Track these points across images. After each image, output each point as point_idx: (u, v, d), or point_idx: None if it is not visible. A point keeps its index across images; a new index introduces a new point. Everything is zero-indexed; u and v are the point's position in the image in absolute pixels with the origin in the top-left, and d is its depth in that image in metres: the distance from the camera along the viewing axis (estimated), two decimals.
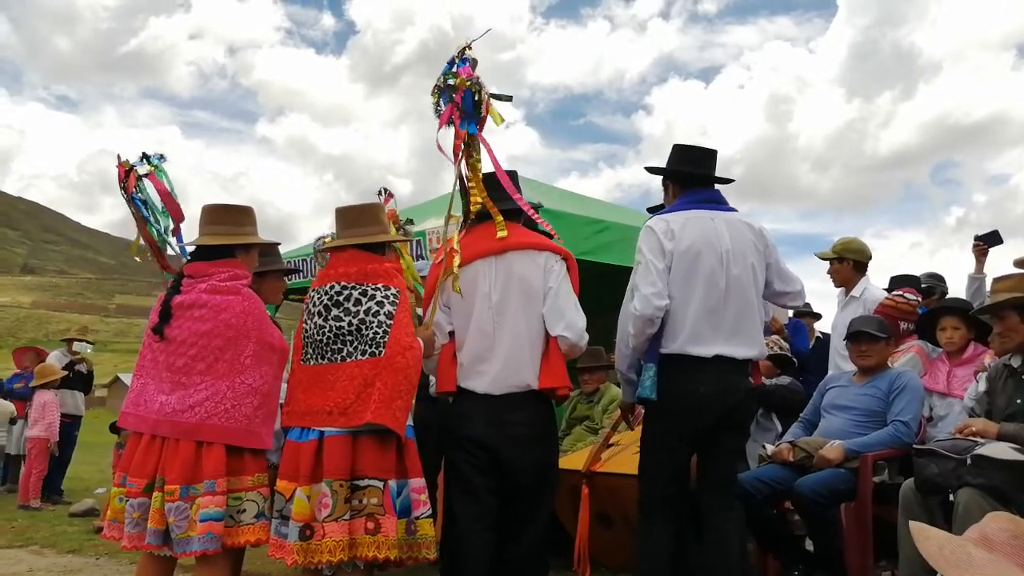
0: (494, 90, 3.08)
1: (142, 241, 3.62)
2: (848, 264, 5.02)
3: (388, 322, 2.99)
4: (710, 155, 3.43)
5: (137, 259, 3.78)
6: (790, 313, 6.20)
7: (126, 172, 3.49)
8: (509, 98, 3.15)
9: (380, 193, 4.01)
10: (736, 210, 3.39)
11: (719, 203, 3.35)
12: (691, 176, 3.39)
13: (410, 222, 3.70)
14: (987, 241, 5.14)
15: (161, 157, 3.57)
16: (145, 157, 3.53)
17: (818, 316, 7.00)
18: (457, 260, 3.06)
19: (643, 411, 3.39)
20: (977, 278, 5.16)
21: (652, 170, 3.52)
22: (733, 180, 3.58)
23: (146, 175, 3.53)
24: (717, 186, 3.45)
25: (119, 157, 3.52)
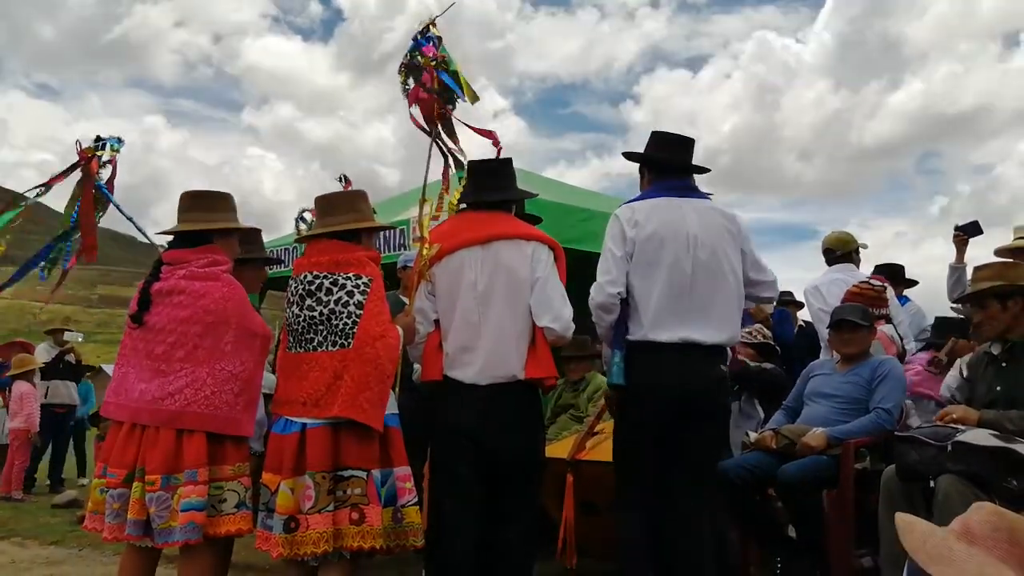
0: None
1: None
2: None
3: (358, 312, 2.96)
4: (687, 143, 3.42)
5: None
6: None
7: (88, 158, 3.46)
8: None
9: (340, 179, 3.96)
10: (709, 197, 3.37)
11: (691, 191, 3.34)
12: (665, 163, 3.39)
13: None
14: (967, 231, 5.19)
15: (119, 140, 3.53)
16: (103, 142, 3.49)
17: (800, 304, 7.05)
18: (434, 249, 3.07)
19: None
20: (958, 268, 5.20)
21: (628, 156, 3.52)
22: (709, 169, 3.57)
23: (108, 160, 3.49)
24: (705, 179, 3.45)
25: (78, 144, 3.48)
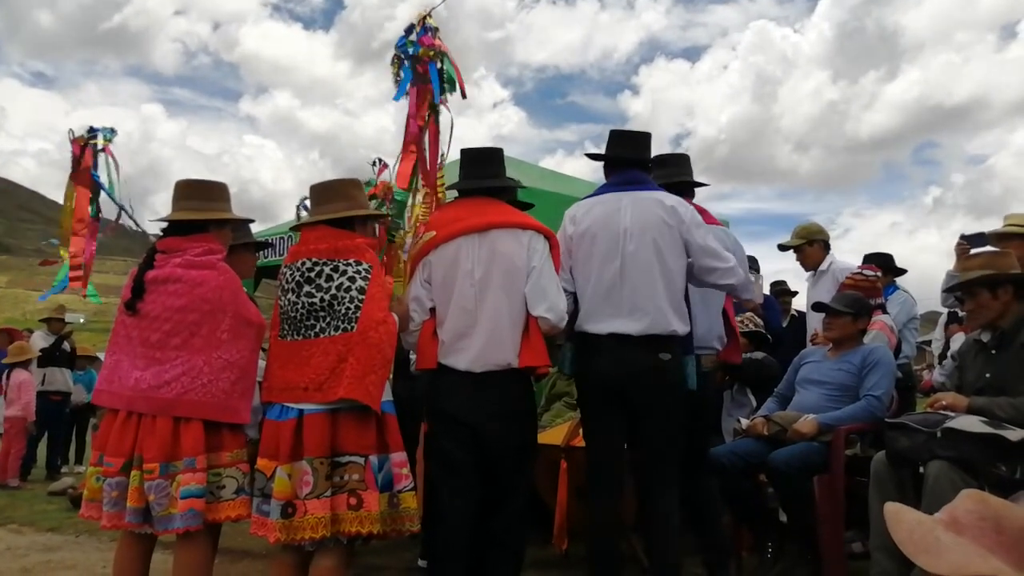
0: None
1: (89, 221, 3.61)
2: (818, 246, 5.33)
3: (360, 297, 2.98)
4: (641, 137, 3.52)
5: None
6: (766, 290, 6.29)
7: (82, 148, 3.46)
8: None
9: (374, 164, 3.96)
10: (657, 188, 3.42)
11: (640, 183, 3.39)
12: (613, 159, 3.50)
13: (402, 192, 3.68)
14: (972, 242, 5.10)
15: (112, 130, 3.54)
16: (95, 131, 3.50)
17: (794, 293, 7.09)
18: (428, 236, 3.10)
19: None
20: (955, 275, 5.21)
21: (591, 156, 3.62)
22: (666, 161, 3.79)
23: (102, 149, 3.50)
24: (701, 169, 3.49)
25: (71, 133, 3.48)
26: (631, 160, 3.46)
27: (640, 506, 3.35)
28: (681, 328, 3.30)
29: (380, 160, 3.82)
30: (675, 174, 3.78)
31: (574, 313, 3.34)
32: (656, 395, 3.24)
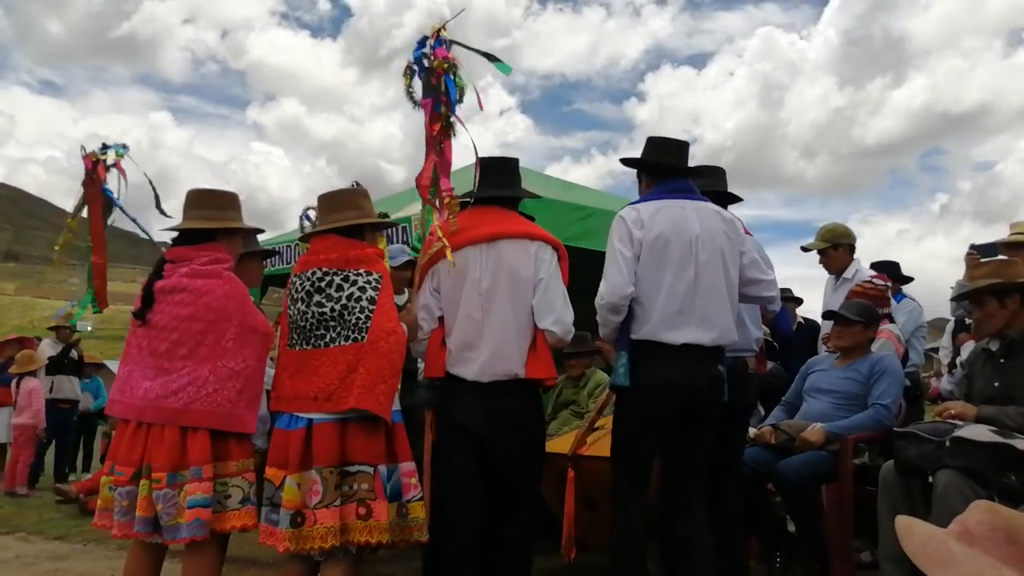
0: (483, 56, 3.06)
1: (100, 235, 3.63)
2: (844, 250, 5.12)
3: (370, 307, 2.98)
4: (683, 147, 3.46)
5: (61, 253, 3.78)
6: None
7: (94, 163, 3.48)
8: (496, 60, 3.15)
9: (353, 186, 4.00)
10: (707, 200, 3.40)
11: (690, 192, 3.35)
12: (663, 166, 3.40)
13: (384, 215, 3.68)
14: (982, 252, 5.01)
15: (124, 147, 3.55)
16: (107, 147, 3.52)
17: (799, 301, 7.07)
18: (438, 246, 3.10)
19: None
20: (964, 285, 5.20)
21: (626, 161, 3.53)
22: (703, 172, 3.65)
23: (113, 165, 3.52)
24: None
25: (83, 148, 3.50)
26: (679, 168, 3.39)
27: (665, 515, 3.29)
28: (737, 339, 3.30)
29: (357, 184, 3.71)
30: (711, 185, 3.69)
31: (628, 320, 3.22)
32: (714, 407, 3.22)
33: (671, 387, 3.15)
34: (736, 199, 3.89)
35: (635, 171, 3.55)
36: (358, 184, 3.63)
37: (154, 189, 3.59)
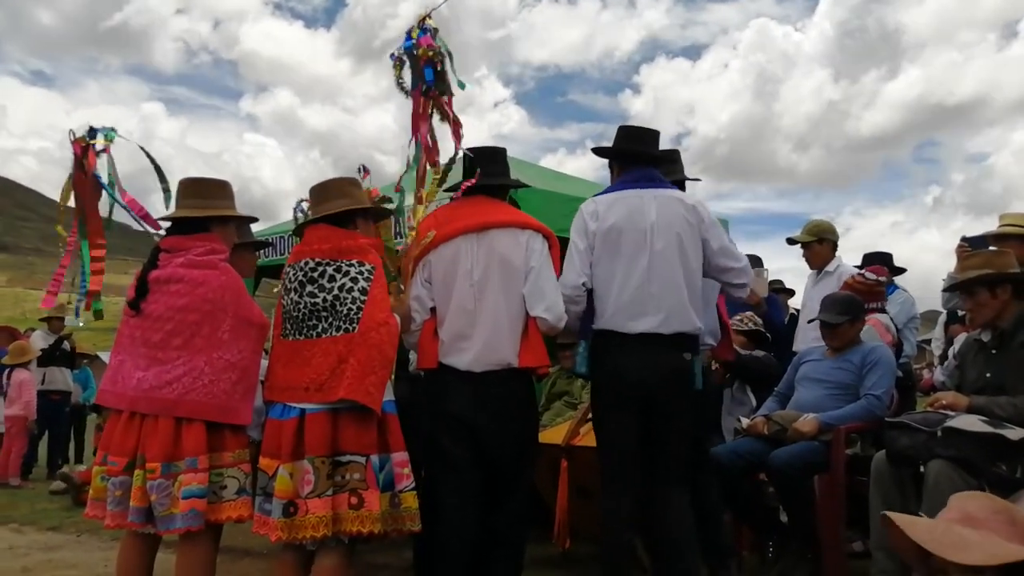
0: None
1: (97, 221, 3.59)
2: (827, 245, 5.26)
3: (362, 298, 2.98)
4: (650, 134, 3.47)
5: (61, 241, 3.72)
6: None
7: (83, 149, 3.43)
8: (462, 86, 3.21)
9: (359, 171, 3.98)
10: (673, 187, 3.42)
11: (654, 181, 3.36)
12: (627, 154, 3.43)
13: (387, 200, 3.66)
14: (973, 244, 5.09)
15: (112, 130, 3.51)
16: (95, 131, 3.47)
17: (791, 292, 7.10)
18: (430, 236, 3.11)
19: None
20: (955, 276, 5.22)
21: (596, 151, 3.57)
22: (674, 157, 3.74)
23: (103, 150, 3.47)
24: (703, 169, 3.49)
25: (72, 133, 3.45)
26: (645, 156, 3.41)
27: (646, 506, 3.31)
28: (701, 326, 3.31)
29: (364, 167, 3.77)
30: (670, 172, 3.71)
31: (589, 311, 3.28)
32: (679, 395, 3.23)
33: (623, 375, 3.19)
34: (692, 179, 3.88)
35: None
36: (365, 168, 3.62)
37: (156, 166, 3.53)
